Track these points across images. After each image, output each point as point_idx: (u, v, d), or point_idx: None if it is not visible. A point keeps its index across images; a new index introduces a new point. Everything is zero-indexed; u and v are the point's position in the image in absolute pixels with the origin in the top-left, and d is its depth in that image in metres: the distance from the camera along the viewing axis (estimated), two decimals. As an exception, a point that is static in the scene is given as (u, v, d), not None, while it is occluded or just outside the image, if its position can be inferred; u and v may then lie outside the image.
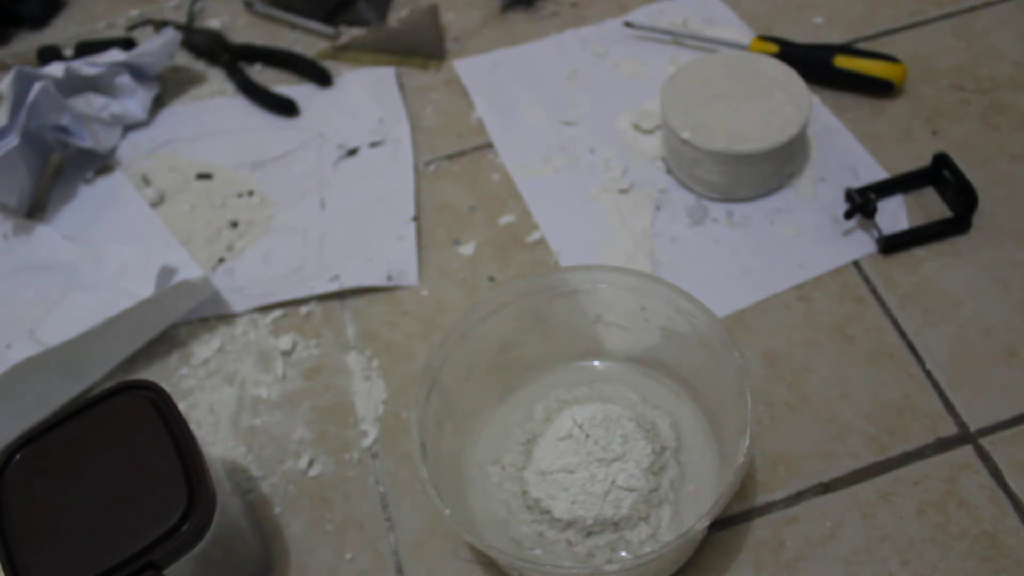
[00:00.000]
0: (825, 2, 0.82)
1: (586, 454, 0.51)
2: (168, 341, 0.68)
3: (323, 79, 0.84)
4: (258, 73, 0.87)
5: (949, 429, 0.55)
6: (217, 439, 0.62)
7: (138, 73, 0.83)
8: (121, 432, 0.48)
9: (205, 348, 0.67)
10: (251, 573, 0.53)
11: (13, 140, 0.72)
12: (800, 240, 0.66)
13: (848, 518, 0.53)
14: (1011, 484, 0.53)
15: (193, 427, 0.49)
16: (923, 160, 0.68)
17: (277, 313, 0.68)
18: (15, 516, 0.45)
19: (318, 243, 0.71)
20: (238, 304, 0.68)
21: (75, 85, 0.80)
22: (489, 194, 0.73)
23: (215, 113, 0.84)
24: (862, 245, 0.65)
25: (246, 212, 0.75)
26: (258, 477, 0.60)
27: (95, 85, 0.82)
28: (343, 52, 0.87)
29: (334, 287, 0.68)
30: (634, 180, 0.72)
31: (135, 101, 0.83)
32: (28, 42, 0.96)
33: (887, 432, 0.56)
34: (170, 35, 0.84)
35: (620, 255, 0.67)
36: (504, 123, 0.78)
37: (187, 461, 0.46)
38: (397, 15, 0.90)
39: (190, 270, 0.68)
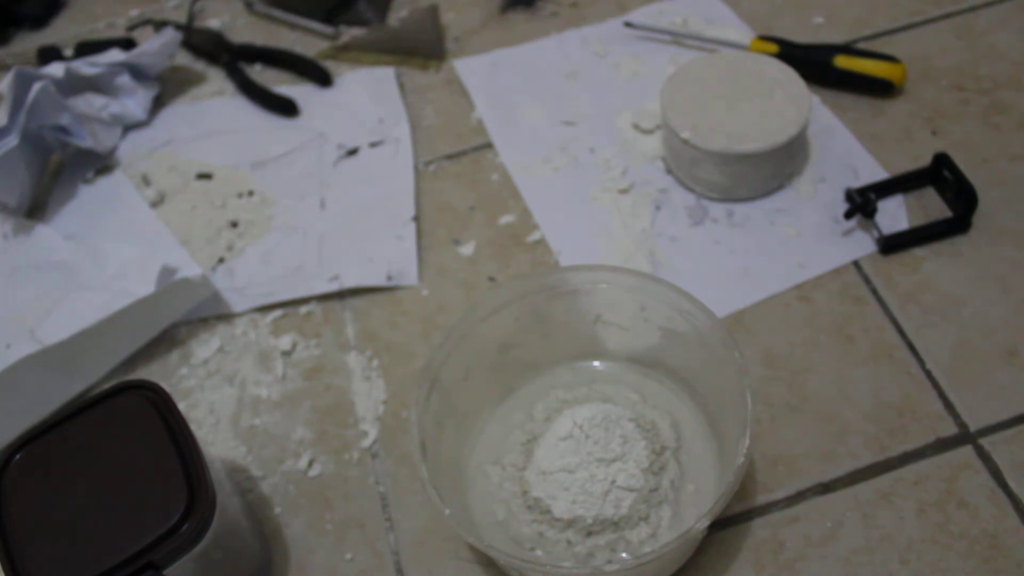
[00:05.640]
0: (825, 2, 0.82)
1: (586, 454, 0.51)
2: (168, 341, 0.68)
3: (323, 79, 0.84)
4: (258, 73, 0.87)
5: (949, 429, 0.55)
6: (217, 439, 0.62)
7: (138, 73, 0.83)
8: (121, 432, 0.48)
9: (205, 348, 0.67)
10: (251, 573, 0.53)
11: (13, 140, 0.72)
12: (800, 240, 0.66)
13: (848, 518, 0.53)
14: (1011, 484, 0.53)
15: (193, 427, 0.49)
16: (923, 160, 0.68)
17: (277, 313, 0.68)
18: (15, 516, 0.45)
19: (318, 243, 0.71)
20: (238, 304, 0.68)
21: (75, 85, 0.80)
22: (489, 194, 0.73)
23: (215, 113, 0.84)
24: (862, 245, 0.65)
25: (246, 212, 0.75)
26: (258, 477, 0.60)
27: (95, 85, 0.82)
28: (343, 52, 0.87)
29: (334, 287, 0.68)
30: (634, 180, 0.72)
31: (135, 101, 0.83)
32: (28, 42, 0.96)
33: (887, 432, 0.56)
34: (170, 35, 0.84)
35: (620, 255, 0.67)
36: (504, 123, 0.78)
37: (187, 461, 0.46)
38: (397, 15, 0.90)
39: (190, 270, 0.68)
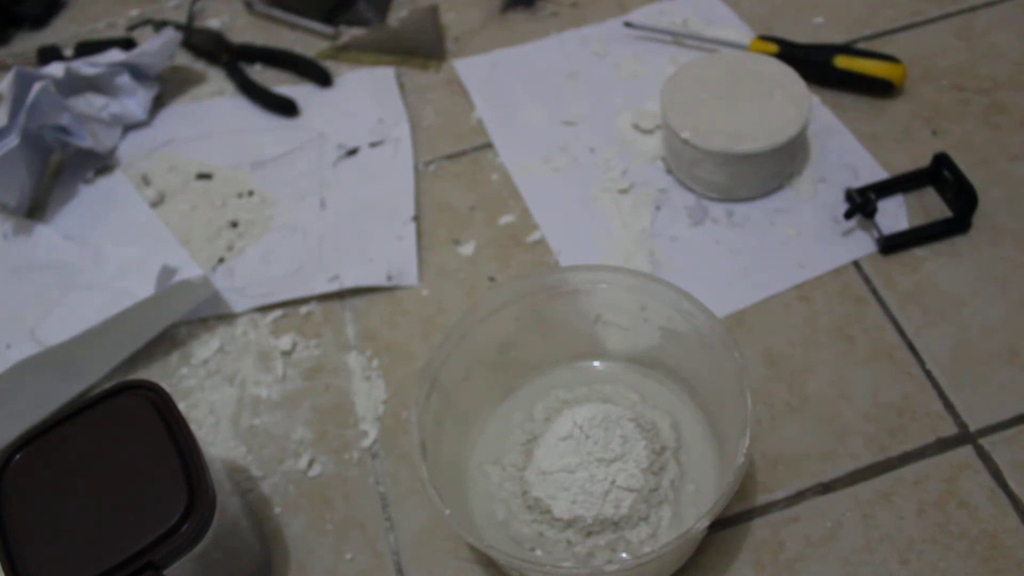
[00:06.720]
0: (825, 2, 0.82)
1: (586, 454, 0.51)
2: (168, 341, 0.68)
3: (323, 79, 0.84)
4: (258, 73, 0.87)
5: (949, 429, 0.55)
6: (217, 439, 0.62)
7: (138, 73, 0.83)
8: (121, 432, 0.48)
9: (205, 348, 0.67)
10: (251, 573, 0.53)
11: (13, 140, 0.72)
12: (800, 240, 0.66)
13: (848, 518, 0.53)
14: (1011, 484, 0.53)
15: (193, 427, 0.49)
16: (923, 160, 0.68)
17: (277, 313, 0.68)
18: (15, 516, 0.45)
19: (318, 243, 0.71)
20: (238, 304, 0.68)
21: (75, 85, 0.80)
22: (489, 194, 0.73)
23: (215, 113, 0.84)
24: (862, 245, 0.65)
25: (246, 212, 0.75)
26: (258, 477, 0.60)
27: (95, 85, 0.82)
28: (343, 52, 0.87)
29: (334, 287, 0.68)
30: (634, 180, 0.72)
31: (135, 101, 0.83)
32: (28, 42, 0.96)
33: (887, 432, 0.56)
34: (170, 35, 0.84)
35: (620, 255, 0.67)
36: (504, 123, 0.78)
37: (187, 461, 0.46)
38: (397, 15, 0.90)
39: (190, 270, 0.68)
